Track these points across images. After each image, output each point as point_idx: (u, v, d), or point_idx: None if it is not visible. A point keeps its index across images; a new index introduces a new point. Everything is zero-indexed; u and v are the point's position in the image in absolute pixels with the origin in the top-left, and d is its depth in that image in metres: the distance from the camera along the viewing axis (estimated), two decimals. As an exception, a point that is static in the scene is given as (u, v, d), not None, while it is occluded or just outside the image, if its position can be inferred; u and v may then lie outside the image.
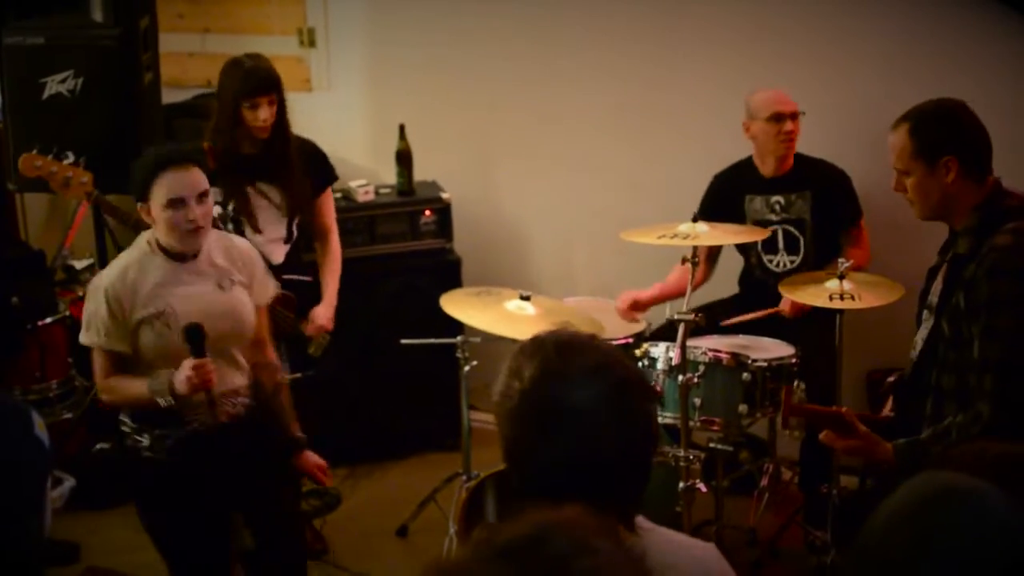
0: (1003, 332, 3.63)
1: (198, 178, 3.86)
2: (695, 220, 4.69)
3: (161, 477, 3.97)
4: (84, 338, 3.96)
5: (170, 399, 3.78)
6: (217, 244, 4.04)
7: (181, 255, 3.91)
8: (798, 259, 5.42)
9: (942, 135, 3.79)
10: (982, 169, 3.81)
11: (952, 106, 3.86)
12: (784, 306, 5.16)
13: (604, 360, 2.15)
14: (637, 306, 5.43)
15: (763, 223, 5.39)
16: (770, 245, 5.42)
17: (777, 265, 5.46)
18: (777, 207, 5.42)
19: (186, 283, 3.90)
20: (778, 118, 5.32)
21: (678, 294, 5.26)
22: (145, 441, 3.97)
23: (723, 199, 5.48)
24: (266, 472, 4.11)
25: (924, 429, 3.80)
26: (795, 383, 3.91)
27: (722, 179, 5.56)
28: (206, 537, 4.02)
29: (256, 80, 4.88)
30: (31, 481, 2.09)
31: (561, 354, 2.13)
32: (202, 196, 3.85)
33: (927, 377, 3.90)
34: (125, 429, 4.03)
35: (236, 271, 4.04)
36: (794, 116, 5.34)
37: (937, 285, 3.96)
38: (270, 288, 4.23)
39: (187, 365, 3.74)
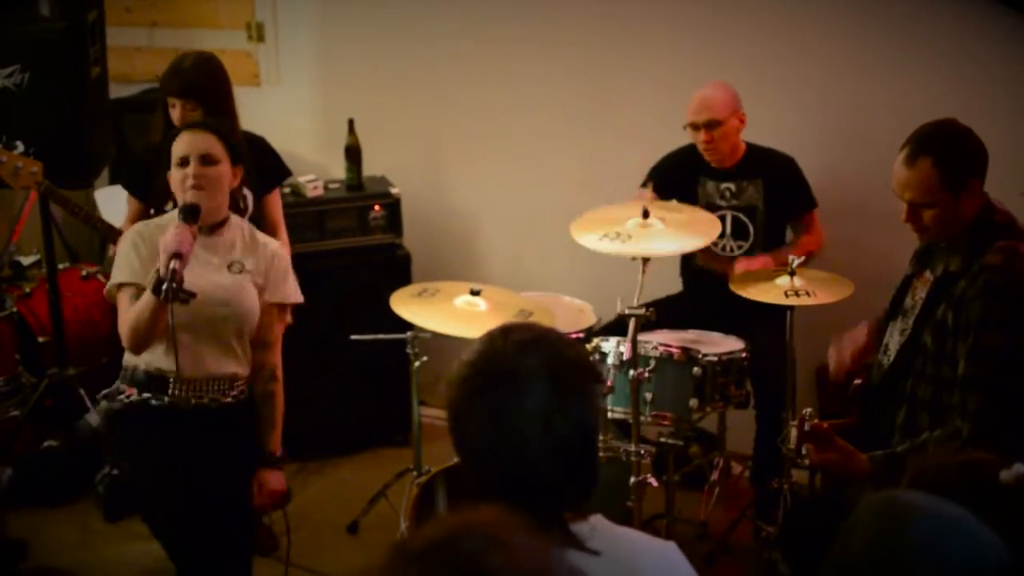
0: (991, 353, 3.63)
1: (206, 142, 3.99)
2: (646, 216, 4.67)
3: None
4: (115, 277, 3.97)
5: (156, 278, 3.69)
6: (242, 234, 4.10)
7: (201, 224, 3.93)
8: (747, 244, 5.40)
9: (966, 159, 3.72)
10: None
11: (955, 126, 3.77)
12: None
13: (546, 337, 2.23)
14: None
15: (712, 207, 5.36)
16: None
17: (723, 249, 5.43)
18: (727, 194, 5.40)
19: (196, 253, 3.86)
20: (693, 127, 5.30)
21: None
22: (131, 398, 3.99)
23: (677, 177, 5.42)
24: (229, 473, 4.07)
25: (896, 438, 3.80)
26: (805, 411, 3.77)
27: (676, 157, 5.49)
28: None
29: (168, 80, 4.85)
30: None
31: (505, 332, 2.23)
32: (206, 158, 3.96)
33: (901, 386, 3.89)
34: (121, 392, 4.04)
35: (253, 265, 4.06)
36: (709, 125, 5.25)
37: (917, 294, 3.96)
38: (291, 293, 4.17)
39: (172, 226, 3.79)
